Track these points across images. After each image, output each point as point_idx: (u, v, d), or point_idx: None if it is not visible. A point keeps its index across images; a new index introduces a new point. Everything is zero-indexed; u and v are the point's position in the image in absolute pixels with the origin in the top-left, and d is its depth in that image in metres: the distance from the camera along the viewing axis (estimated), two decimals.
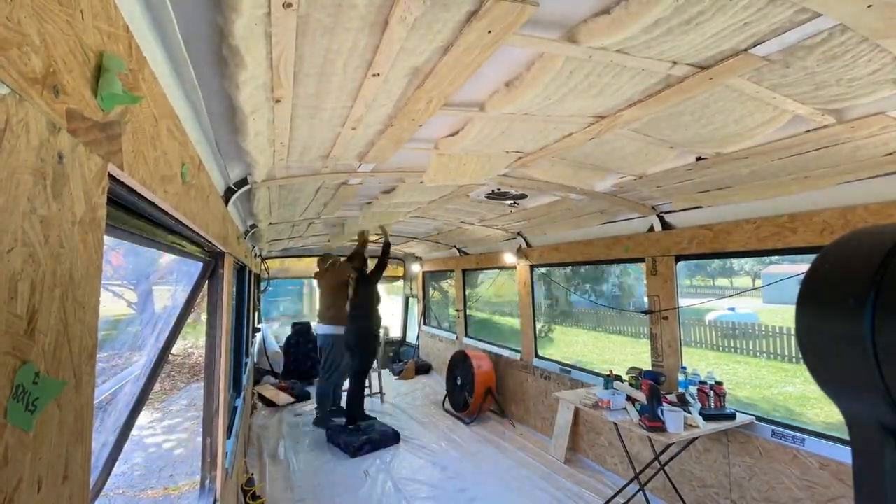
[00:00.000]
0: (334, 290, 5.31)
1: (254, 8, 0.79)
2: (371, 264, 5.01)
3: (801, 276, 0.45)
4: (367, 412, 5.07)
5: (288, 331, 7.99)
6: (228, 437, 2.56)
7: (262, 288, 6.82)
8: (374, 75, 1.15)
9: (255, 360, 6.78)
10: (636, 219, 3.37)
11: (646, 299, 3.43)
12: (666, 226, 3.21)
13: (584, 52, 1.10)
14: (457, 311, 6.57)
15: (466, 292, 6.63)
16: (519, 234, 4.66)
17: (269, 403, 5.95)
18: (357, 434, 4.48)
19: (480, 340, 6.10)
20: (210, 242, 1.71)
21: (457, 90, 1.28)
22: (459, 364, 5.39)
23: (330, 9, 0.86)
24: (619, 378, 3.42)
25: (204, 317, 2.22)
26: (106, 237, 0.67)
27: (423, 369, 7.53)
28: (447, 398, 5.62)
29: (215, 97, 1.16)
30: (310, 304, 16.05)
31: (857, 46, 1.07)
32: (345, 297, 5.14)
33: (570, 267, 4.85)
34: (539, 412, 4.67)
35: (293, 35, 0.92)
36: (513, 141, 1.85)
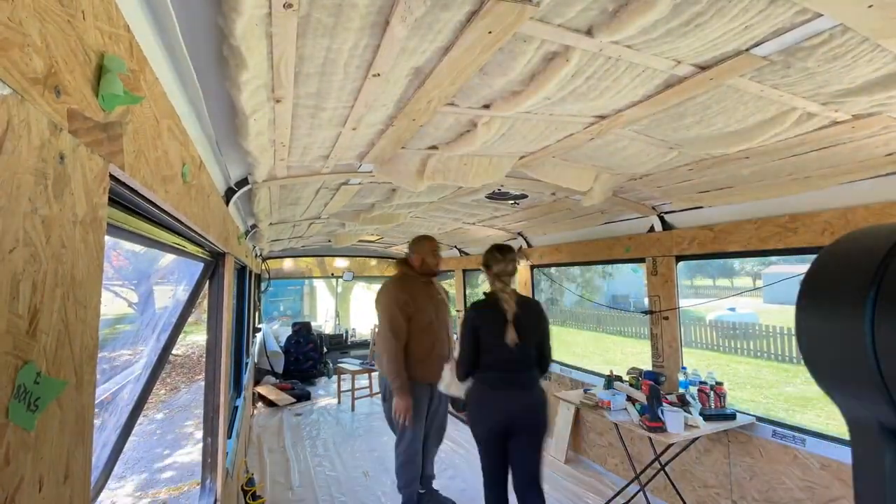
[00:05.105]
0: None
1: (254, 8, 0.79)
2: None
3: (802, 276, 0.45)
4: (366, 413, 5.02)
5: (288, 331, 8.01)
6: (229, 437, 2.56)
7: (262, 288, 6.83)
8: (374, 75, 1.15)
9: (256, 359, 6.79)
10: (636, 219, 3.37)
11: (648, 299, 3.43)
12: (666, 226, 3.21)
13: (595, 46, 1.10)
14: (457, 311, 6.57)
15: (467, 292, 6.63)
16: (519, 234, 4.66)
17: (269, 403, 5.96)
18: None
19: None
20: (211, 243, 1.71)
21: (457, 90, 1.28)
22: None
23: (331, 9, 0.86)
24: (619, 378, 3.42)
25: (205, 317, 2.22)
26: (107, 237, 0.67)
27: None
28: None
29: (216, 97, 1.17)
30: (310, 304, 16.07)
31: (858, 46, 1.07)
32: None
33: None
34: None
35: (294, 35, 0.92)
36: (514, 142, 1.85)
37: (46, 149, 0.47)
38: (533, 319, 2.49)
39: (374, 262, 8.35)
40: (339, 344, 8.43)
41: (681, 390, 2.99)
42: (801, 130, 1.63)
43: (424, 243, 3.23)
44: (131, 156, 0.71)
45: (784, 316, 13.33)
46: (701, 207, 2.88)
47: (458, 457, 4.18)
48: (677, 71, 1.23)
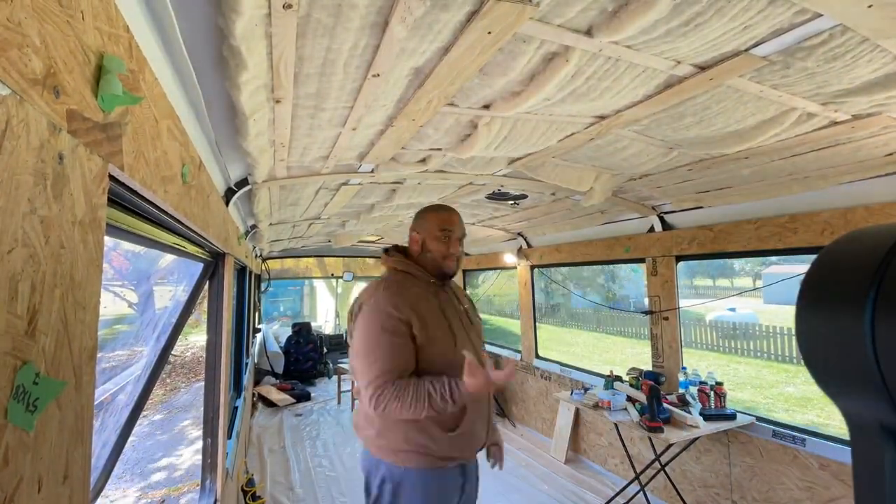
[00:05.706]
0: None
1: (254, 8, 0.79)
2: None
3: (802, 276, 0.45)
4: None
5: (288, 331, 8.01)
6: (229, 437, 2.56)
7: (262, 288, 6.83)
8: (374, 76, 1.15)
9: (256, 360, 6.78)
10: (636, 219, 3.37)
11: (648, 300, 3.43)
12: (666, 226, 3.21)
13: (595, 46, 1.10)
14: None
15: (467, 292, 6.63)
16: (519, 234, 4.66)
17: (269, 404, 5.96)
18: None
19: None
20: (211, 243, 1.71)
21: (457, 90, 1.28)
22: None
23: (330, 9, 0.86)
24: (619, 378, 3.42)
25: (204, 317, 2.22)
26: (106, 237, 0.67)
27: None
28: None
29: (216, 97, 1.17)
30: (310, 305, 16.07)
31: (858, 47, 1.07)
32: None
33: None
34: (539, 413, 4.67)
35: (293, 35, 0.92)
36: (516, 145, 1.84)
37: (45, 149, 0.46)
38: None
39: (373, 261, 8.34)
40: (339, 344, 8.42)
41: (681, 390, 2.99)
42: (800, 130, 1.63)
43: (429, 217, 1.76)
44: (131, 156, 0.71)
45: (784, 316, 13.33)
46: (701, 207, 2.88)
47: None
48: (677, 71, 1.23)
